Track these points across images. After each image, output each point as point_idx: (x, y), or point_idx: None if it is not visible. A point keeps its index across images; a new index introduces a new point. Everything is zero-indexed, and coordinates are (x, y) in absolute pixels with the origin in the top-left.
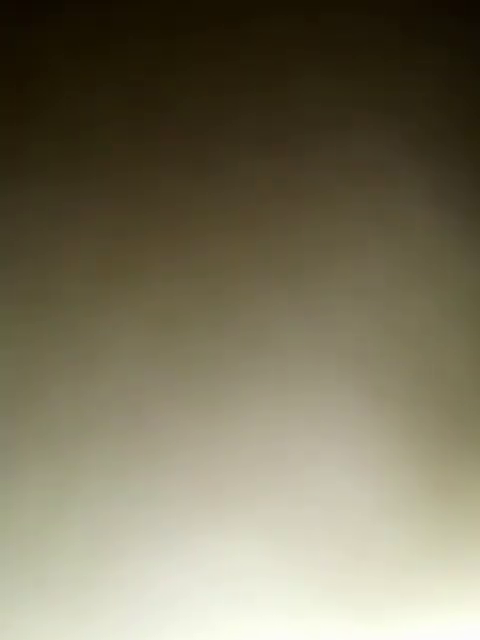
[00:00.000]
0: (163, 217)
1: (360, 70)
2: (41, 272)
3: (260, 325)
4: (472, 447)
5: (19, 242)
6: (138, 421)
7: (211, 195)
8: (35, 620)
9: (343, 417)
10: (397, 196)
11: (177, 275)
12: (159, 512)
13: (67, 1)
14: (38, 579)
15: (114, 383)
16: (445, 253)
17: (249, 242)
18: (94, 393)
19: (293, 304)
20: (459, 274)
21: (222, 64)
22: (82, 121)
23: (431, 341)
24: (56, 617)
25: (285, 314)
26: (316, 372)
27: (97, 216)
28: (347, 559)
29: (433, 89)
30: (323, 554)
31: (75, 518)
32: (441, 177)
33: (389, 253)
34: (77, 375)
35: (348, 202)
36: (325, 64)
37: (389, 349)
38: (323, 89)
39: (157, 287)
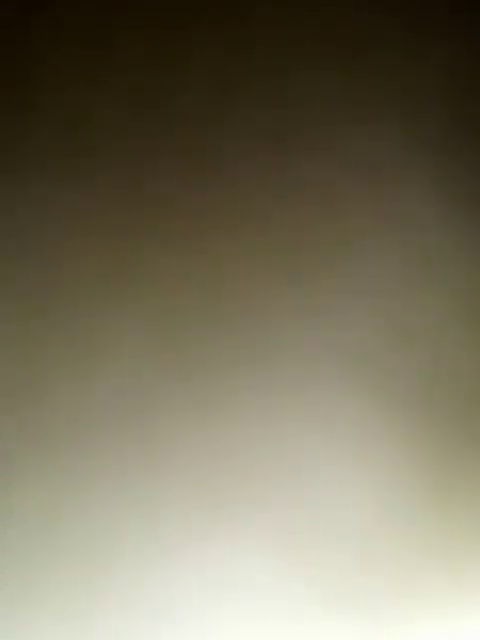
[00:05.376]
0: (163, 215)
1: (361, 67)
2: (40, 271)
3: (261, 325)
4: (475, 447)
5: (18, 240)
6: (138, 422)
7: (212, 193)
8: (34, 625)
9: (345, 418)
10: (399, 194)
11: (178, 274)
12: (159, 515)
13: None
14: (37, 584)
15: (114, 384)
16: (447, 251)
17: (250, 240)
18: (94, 394)
19: (294, 303)
20: (462, 272)
21: (222, 61)
22: (81, 118)
23: (434, 340)
24: (55, 622)
25: (286, 313)
26: (318, 372)
27: (97, 213)
28: (349, 562)
29: (435, 86)
30: (325, 557)
31: (74, 521)
32: (444, 175)
33: (391, 251)
34: (76, 375)
35: (350, 200)
36: (326, 60)
37: (391, 348)
38: (324, 86)
39: (157, 286)
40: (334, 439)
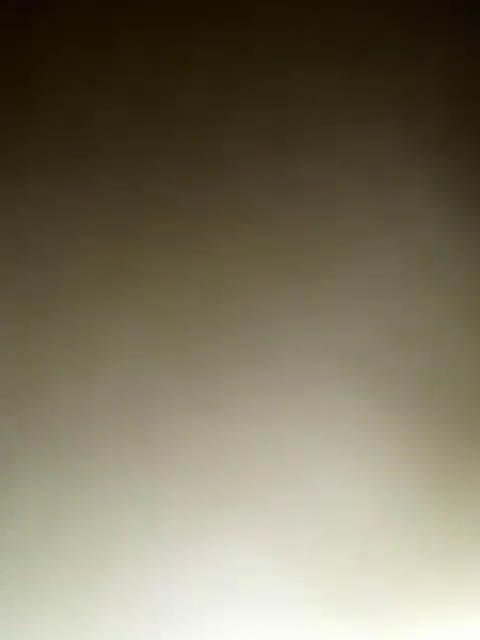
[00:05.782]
0: (163, 215)
1: (361, 66)
2: (40, 271)
3: (261, 325)
4: (475, 447)
5: (18, 240)
6: (138, 422)
7: (212, 193)
8: (34, 625)
9: (345, 418)
10: (399, 194)
11: (178, 274)
12: (159, 515)
13: None
14: (37, 584)
15: (114, 384)
16: (447, 251)
17: (250, 240)
18: (94, 394)
19: (294, 303)
20: (462, 272)
21: (222, 61)
22: (81, 118)
23: (434, 340)
24: (55, 622)
25: (286, 313)
26: (318, 372)
27: (97, 213)
28: (349, 562)
29: (435, 86)
30: (325, 557)
31: (74, 521)
32: (444, 175)
33: (391, 251)
34: (76, 375)
35: (350, 200)
36: (326, 60)
37: (391, 348)
38: (324, 86)
39: (157, 286)
40: (334, 439)
